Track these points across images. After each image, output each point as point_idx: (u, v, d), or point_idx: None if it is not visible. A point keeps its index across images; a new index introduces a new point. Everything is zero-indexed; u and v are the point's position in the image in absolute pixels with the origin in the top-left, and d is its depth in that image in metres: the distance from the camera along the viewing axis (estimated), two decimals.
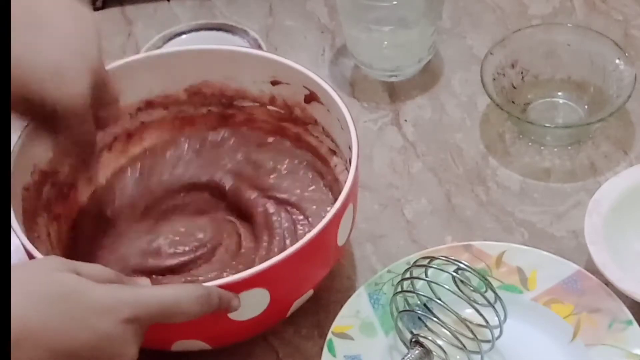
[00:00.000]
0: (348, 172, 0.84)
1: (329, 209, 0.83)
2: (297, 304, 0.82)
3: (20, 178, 0.82)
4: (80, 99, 0.73)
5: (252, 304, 0.76)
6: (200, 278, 0.83)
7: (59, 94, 0.72)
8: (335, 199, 0.79)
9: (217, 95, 0.92)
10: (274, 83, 0.90)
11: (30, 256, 0.76)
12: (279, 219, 0.87)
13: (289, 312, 0.82)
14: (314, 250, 0.77)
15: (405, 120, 1.02)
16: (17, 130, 0.81)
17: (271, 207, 0.87)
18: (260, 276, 0.74)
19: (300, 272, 0.78)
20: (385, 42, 1.02)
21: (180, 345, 0.78)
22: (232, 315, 0.75)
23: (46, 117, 0.74)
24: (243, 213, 0.88)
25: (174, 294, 0.69)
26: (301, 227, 0.87)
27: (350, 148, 0.82)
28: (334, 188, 0.88)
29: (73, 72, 0.73)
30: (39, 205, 0.84)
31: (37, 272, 0.66)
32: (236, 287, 0.74)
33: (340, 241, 0.81)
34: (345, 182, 0.84)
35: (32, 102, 0.72)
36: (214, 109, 0.92)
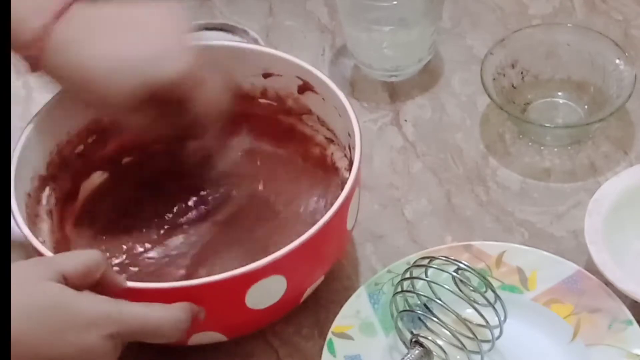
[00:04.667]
0: (347, 158, 0.85)
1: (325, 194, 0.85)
2: (309, 290, 0.82)
3: (22, 183, 0.82)
4: (183, 71, 0.78)
5: (270, 292, 0.77)
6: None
7: (163, 72, 0.77)
8: (335, 185, 0.80)
9: None
10: (266, 76, 0.90)
11: None
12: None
13: (303, 299, 0.83)
14: (328, 235, 0.78)
15: (405, 120, 1.02)
16: (16, 134, 0.82)
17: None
18: (278, 263, 0.75)
19: (315, 257, 0.79)
20: (385, 42, 1.02)
21: (197, 338, 0.79)
22: (251, 305, 0.76)
23: (167, 100, 0.79)
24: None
25: (157, 317, 0.69)
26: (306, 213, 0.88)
27: (349, 134, 0.83)
28: (333, 175, 0.89)
29: (172, 54, 0.78)
30: (40, 210, 0.85)
31: (23, 280, 0.66)
32: (254, 275, 0.75)
33: (349, 225, 0.82)
34: (344, 168, 0.85)
35: (149, 87, 0.77)
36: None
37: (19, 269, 0.68)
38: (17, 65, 0.87)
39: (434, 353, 0.81)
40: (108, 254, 0.86)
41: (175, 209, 0.89)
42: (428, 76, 1.06)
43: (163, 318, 0.70)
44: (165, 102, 0.79)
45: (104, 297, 0.68)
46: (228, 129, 0.85)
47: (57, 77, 0.80)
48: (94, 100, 0.80)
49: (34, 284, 0.66)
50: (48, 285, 0.66)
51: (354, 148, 0.82)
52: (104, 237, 0.87)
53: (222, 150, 0.89)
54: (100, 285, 0.70)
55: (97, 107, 0.83)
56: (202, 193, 0.90)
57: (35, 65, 0.78)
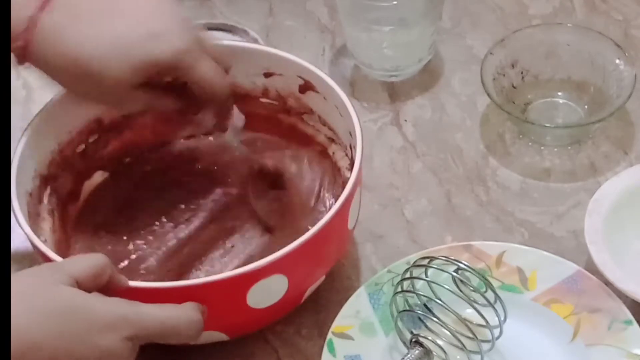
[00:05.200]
0: (348, 158, 0.85)
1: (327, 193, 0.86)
2: (311, 289, 0.83)
3: (23, 183, 0.82)
4: (180, 49, 0.77)
5: (272, 291, 0.77)
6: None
7: (160, 50, 0.77)
8: (337, 184, 0.81)
9: None
10: (267, 75, 0.90)
11: (47, 260, 0.76)
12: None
13: (304, 298, 0.83)
14: (329, 234, 0.78)
15: (405, 120, 1.02)
16: (17, 133, 0.82)
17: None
18: (279, 262, 0.75)
19: (316, 256, 0.79)
20: (385, 42, 1.02)
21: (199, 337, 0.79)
22: (252, 304, 0.76)
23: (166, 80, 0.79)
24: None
25: (173, 317, 0.70)
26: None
27: (350, 134, 0.83)
28: (334, 174, 0.89)
29: (168, 33, 0.77)
30: (42, 209, 0.85)
31: (37, 285, 0.66)
32: (256, 275, 0.75)
33: (351, 224, 0.82)
34: (345, 168, 0.86)
35: (147, 66, 0.77)
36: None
37: (31, 274, 0.68)
38: (17, 65, 0.87)
39: (434, 353, 0.81)
40: (110, 248, 0.86)
41: (176, 209, 0.89)
42: (428, 76, 1.06)
43: (178, 318, 0.70)
44: (162, 83, 0.79)
45: (118, 299, 0.68)
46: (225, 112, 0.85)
47: (47, 68, 0.78)
48: (89, 87, 0.79)
49: (49, 289, 0.66)
50: (63, 290, 0.66)
51: (355, 147, 0.82)
52: (106, 237, 0.87)
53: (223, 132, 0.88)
54: (105, 287, 0.70)
55: (92, 94, 0.81)
56: (203, 193, 0.90)
57: (22, 57, 0.77)
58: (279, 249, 0.75)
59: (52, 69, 0.78)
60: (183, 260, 0.85)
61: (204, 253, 0.86)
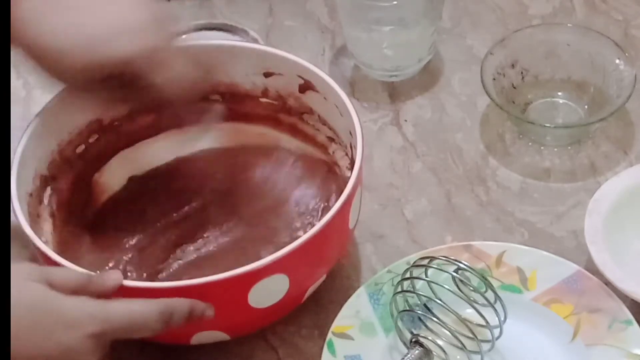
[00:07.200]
0: (349, 157, 0.85)
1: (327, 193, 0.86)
2: (312, 289, 0.83)
3: (24, 183, 0.82)
4: (135, 52, 0.76)
5: (273, 291, 0.77)
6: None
7: (126, 47, 0.76)
8: (337, 185, 0.81)
9: (209, 90, 0.92)
10: (267, 75, 0.90)
11: (48, 260, 0.76)
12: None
13: (305, 298, 0.83)
14: (330, 233, 0.78)
15: (405, 120, 1.02)
16: (17, 133, 0.82)
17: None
18: (281, 262, 0.75)
19: (317, 256, 0.80)
20: (385, 42, 1.02)
21: (200, 337, 0.79)
22: (253, 304, 0.77)
23: (126, 78, 0.77)
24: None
25: (140, 311, 0.70)
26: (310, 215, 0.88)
27: (351, 133, 0.83)
28: (335, 174, 0.89)
29: (128, 34, 0.77)
30: (42, 209, 0.85)
31: (12, 278, 0.66)
32: (257, 274, 0.75)
33: (351, 224, 0.82)
34: (345, 167, 0.86)
35: (107, 64, 0.76)
36: (206, 105, 0.93)
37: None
38: (17, 64, 0.87)
39: (434, 353, 0.81)
40: (109, 248, 0.86)
41: (175, 211, 0.89)
42: (428, 76, 1.06)
43: (145, 312, 0.70)
44: (125, 80, 0.78)
45: (86, 297, 0.68)
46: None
47: (20, 46, 0.77)
48: (52, 75, 0.78)
49: (20, 283, 0.66)
50: (33, 285, 0.67)
51: (355, 147, 0.82)
52: (106, 238, 0.87)
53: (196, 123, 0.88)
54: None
55: (59, 80, 0.80)
56: (203, 193, 0.90)
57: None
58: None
59: (23, 49, 0.77)
60: (186, 260, 0.86)
61: (207, 252, 0.86)
